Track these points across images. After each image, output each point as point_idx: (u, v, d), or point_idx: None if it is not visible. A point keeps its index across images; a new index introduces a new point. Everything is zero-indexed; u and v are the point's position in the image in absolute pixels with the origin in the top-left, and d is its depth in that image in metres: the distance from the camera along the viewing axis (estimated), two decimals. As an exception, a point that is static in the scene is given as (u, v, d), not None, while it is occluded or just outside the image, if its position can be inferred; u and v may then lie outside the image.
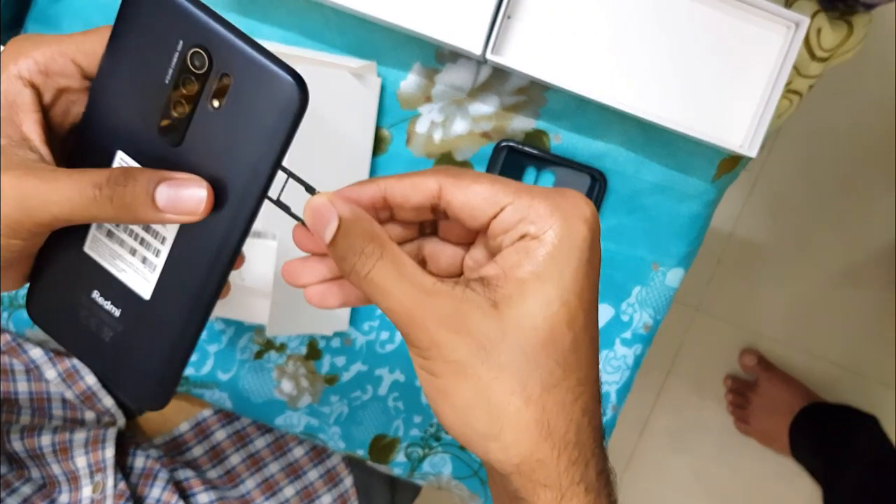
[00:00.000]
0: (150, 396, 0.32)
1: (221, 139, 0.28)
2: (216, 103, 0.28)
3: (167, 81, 0.28)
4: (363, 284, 0.28)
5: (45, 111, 0.31)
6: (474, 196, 0.28)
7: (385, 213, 0.31)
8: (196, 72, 0.28)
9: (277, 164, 0.28)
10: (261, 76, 0.27)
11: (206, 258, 0.29)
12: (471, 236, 0.32)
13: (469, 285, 0.28)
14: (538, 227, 0.28)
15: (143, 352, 0.32)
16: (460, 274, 0.33)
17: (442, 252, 0.33)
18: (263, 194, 0.29)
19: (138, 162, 0.30)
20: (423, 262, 0.33)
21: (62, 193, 0.27)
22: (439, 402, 0.29)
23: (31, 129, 0.30)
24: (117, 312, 0.32)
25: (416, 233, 0.33)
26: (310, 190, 0.30)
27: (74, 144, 0.31)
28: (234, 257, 0.29)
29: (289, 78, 0.27)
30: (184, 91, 0.28)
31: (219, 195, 0.28)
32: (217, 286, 0.30)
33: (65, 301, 0.33)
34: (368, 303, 0.30)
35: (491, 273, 0.28)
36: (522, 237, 0.28)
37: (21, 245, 0.29)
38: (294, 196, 0.31)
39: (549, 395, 0.27)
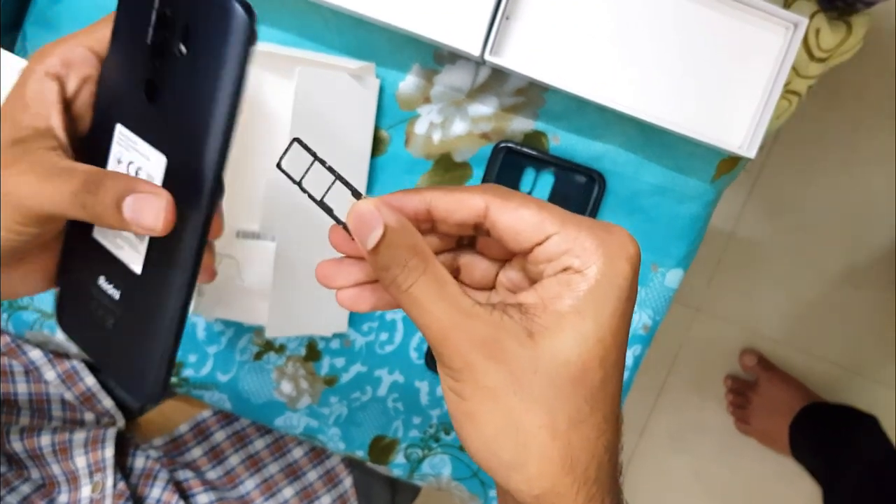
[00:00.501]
0: (146, 385, 0.32)
1: (188, 84, 0.28)
2: (183, 49, 0.28)
3: (148, 42, 0.29)
4: (402, 297, 0.28)
5: (69, 102, 0.32)
6: (521, 221, 0.28)
7: (426, 224, 0.31)
8: (166, 25, 0.28)
9: (236, 96, 0.28)
10: (211, 11, 0.27)
11: (184, 212, 0.29)
12: (508, 255, 0.32)
13: (506, 311, 0.28)
14: (582, 262, 0.28)
15: (139, 334, 0.32)
16: (492, 287, 0.33)
17: (477, 265, 0.33)
18: (228, 132, 0.28)
19: (132, 129, 0.30)
20: (456, 272, 0.33)
21: (50, 195, 0.29)
22: (465, 425, 0.29)
23: (56, 119, 0.31)
24: (117, 295, 0.32)
25: (453, 244, 0.33)
26: (355, 194, 0.29)
27: (88, 126, 0.33)
28: (211, 204, 0.29)
29: (234, 4, 0.27)
30: (160, 47, 0.29)
31: (190, 141, 0.29)
32: (198, 237, 0.30)
33: (80, 298, 0.33)
34: (398, 307, 0.30)
35: (529, 301, 0.28)
36: (566, 269, 0.28)
37: (36, 231, 0.30)
38: (332, 197, 0.31)
39: (575, 431, 0.28)
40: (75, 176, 0.29)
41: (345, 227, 0.30)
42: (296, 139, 0.30)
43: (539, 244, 0.28)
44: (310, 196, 0.29)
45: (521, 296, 0.29)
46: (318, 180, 0.30)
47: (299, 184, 0.30)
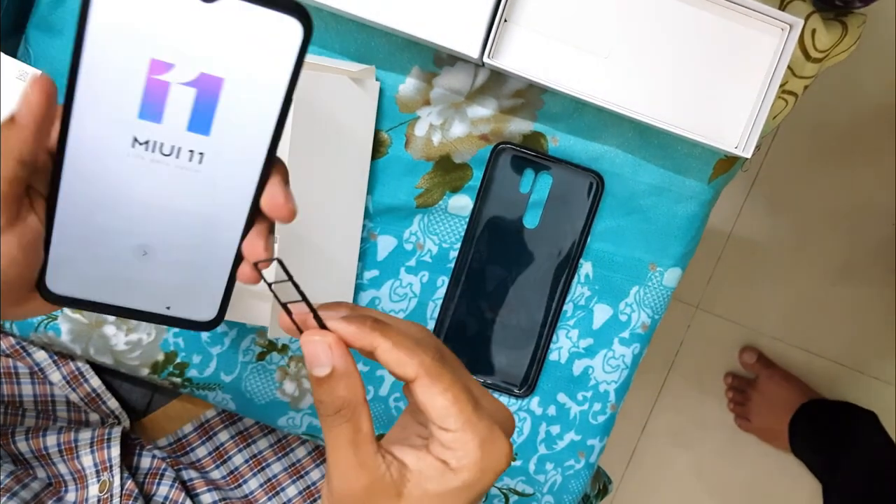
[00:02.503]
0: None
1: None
2: None
3: None
4: (324, 428, 0.32)
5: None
6: (433, 405, 0.31)
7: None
8: None
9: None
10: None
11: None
12: None
13: (389, 467, 0.32)
14: (459, 466, 0.32)
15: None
16: None
17: None
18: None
19: None
20: None
21: None
22: None
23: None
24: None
25: None
26: (316, 317, 0.31)
27: None
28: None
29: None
30: None
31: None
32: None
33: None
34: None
35: (411, 465, 0.32)
36: (446, 463, 0.32)
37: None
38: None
39: None
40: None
41: (298, 328, 0.32)
42: (277, 259, 0.32)
43: (439, 428, 0.32)
44: (276, 299, 0.32)
45: (408, 455, 0.33)
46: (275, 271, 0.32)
47: (270, 286, 0.32)
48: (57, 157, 0.30)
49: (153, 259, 0.32)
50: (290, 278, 0.31)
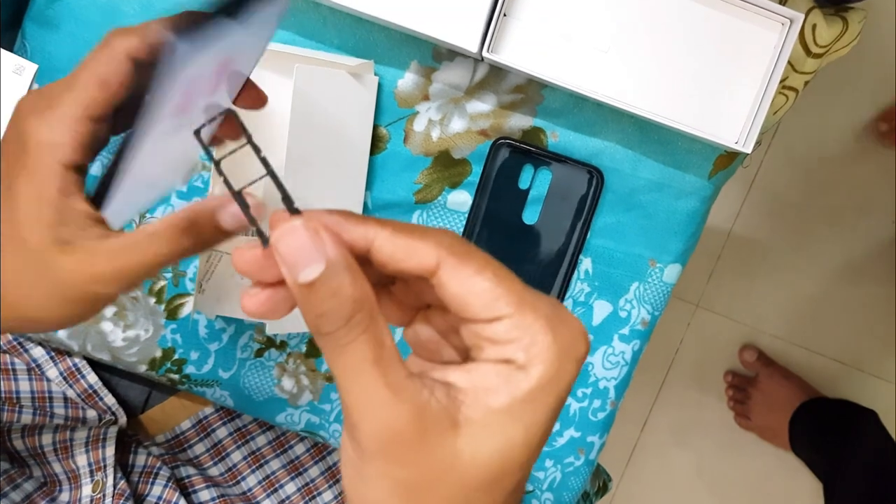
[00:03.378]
0: None
1: None
2: None
3: None
4: (333, 354, 0.24)
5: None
6: (472, 292, 0.24)
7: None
8: None
9: None
10: None
11: None
12: (428, 304, 0.29)
13: (434, 391, 0.24)
14: (528, 358, 0.24)
15: None
16: (406, 324, 0.30)
17: (388, 304, 0.30)
18: None
19: None
20: None
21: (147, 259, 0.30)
22: (358, 486, 0.25)
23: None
24: None
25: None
26: (287, 201, 0.25)
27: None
28: None
29: None
30: None
31: None
32: None
33: None
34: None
35: (460, 384, 0.25)
36: (508, 361, 0.24)
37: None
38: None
39: None
40: (166, 232, 0.30)
41: (263, 241, 0.25)
42: (229, 110, 0.27)
43: (486, 321, 0.24)
44: (226, 182, 0.25)
45: (452, 374, 0.25)
46: (250, 170, 0.26)
47: (216, 162, 0.26)
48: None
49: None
50: (248, 139, 0.26)
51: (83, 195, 0.30)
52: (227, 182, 0.26)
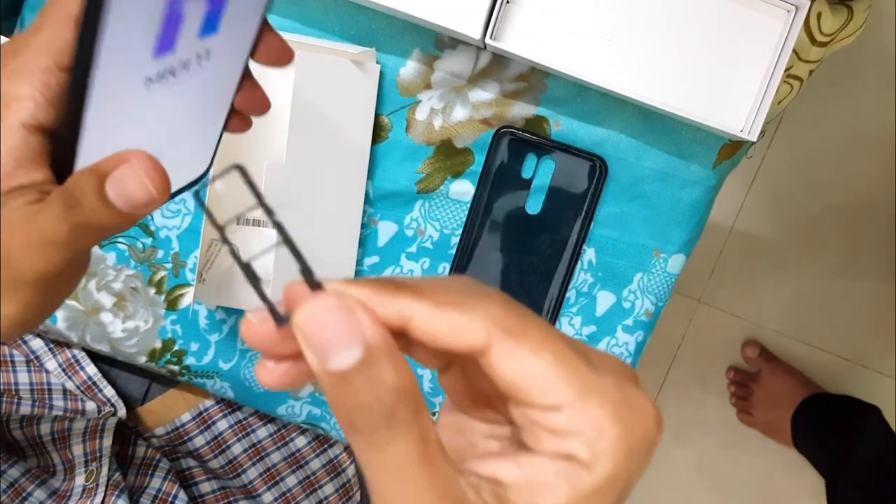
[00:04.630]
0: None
1: None
2: None
3: None
4: (368, 451, 0.20)
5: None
6: (529, 375, 0.21)
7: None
8: None
9: None
10: None
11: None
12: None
13: (480, 492, 0.21)
14: (594, 454, 0.21)
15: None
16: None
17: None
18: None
19: None
20: None
21: (43, 252, 0.25)
22: None
23: (39, 174, 0.26)
24: None
25: None
26: (307, 273, 0.21)
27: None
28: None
29: None
30: None
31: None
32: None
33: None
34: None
35: (510, 480, 0.21)
36: (569, 457, 0.21)
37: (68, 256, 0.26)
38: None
39: None
40: (54, 201, 0.25)
41: (276, 318, 0.21)
42: (237, 166, 0.23)
43: (543, 408, 0.21)
44: (232, 252, 0.22)
45: (500, 468, 0.22)
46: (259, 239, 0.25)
47: (221, 228, 0.23)
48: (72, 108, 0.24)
49: (162, 158, 0.29)
50: (258, 198, 0.22)
51: (45, 163, 0.26)
52: (233, 252, 0.22)
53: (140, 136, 0.27)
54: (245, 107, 0.31)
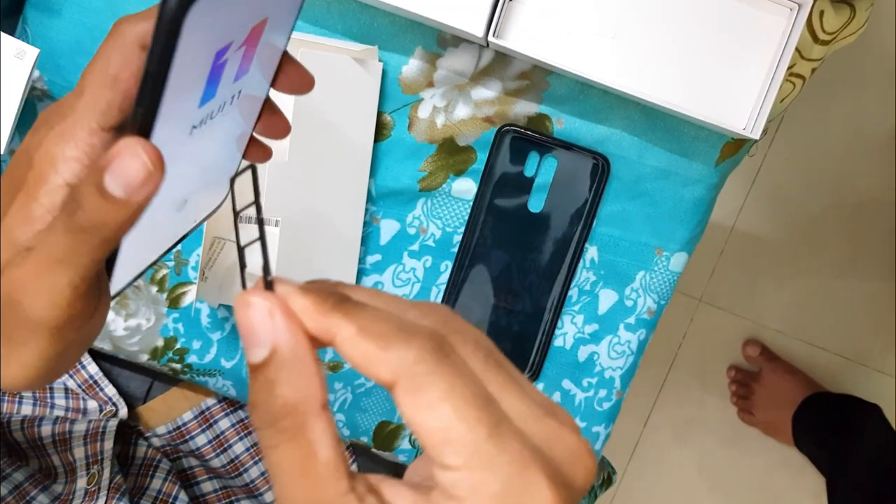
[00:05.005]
0: None
1: None
2: None
3: None
4: (261, 447, 0.22)
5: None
6: (422, 426, 0.21)
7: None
8: None
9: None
10: None
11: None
12: None
13: None
14: None
15: None
16: None
17: None
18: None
19: None
20: None
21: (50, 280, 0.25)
22: None
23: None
24: None
25: None
26: (266, 270, 0.23)
27: None
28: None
29: None
30: None
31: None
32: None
33: None
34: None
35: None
36: None
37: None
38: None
39: None
40: (55, 221, 0.24)
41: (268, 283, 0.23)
42: (252, 165, 0.25)
43: (435, 462, 0.21)
44: (237, 239, 0.24)
45: (392, 492, 0.22)
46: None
47: (237, 214, 0.25)
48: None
49: (191, 201, 0.29)
50: (257, 199, 0.24)
51: None
52: (237, 239, 0.24)
53: (179, 178, 0.27)
54: (265, 133, 0.31)
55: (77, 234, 0.23)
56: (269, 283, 0.23)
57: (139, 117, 0.22)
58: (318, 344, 0.22)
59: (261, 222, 0.24)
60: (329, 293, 0.23)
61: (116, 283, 0.29)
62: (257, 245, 0.24)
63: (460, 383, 0.21)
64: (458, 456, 0.20)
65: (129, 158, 0.22)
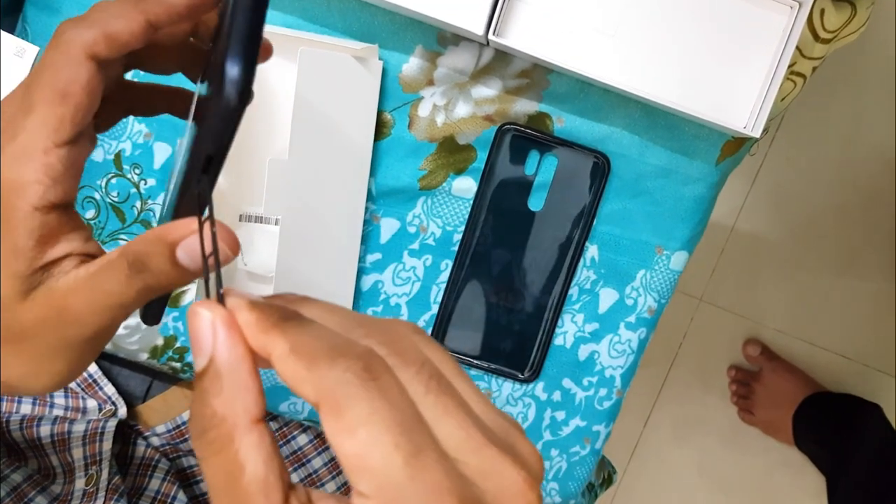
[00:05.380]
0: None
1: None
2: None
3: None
4: (196, 451, 0.22)
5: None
6: (340, 451, 0.20)
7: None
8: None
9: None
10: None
11: None
12: None
13: None
14: None
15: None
16: None
17: None
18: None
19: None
20: None
21: (103, 309, 0.27)
22: None
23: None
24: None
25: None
26: (218, 284, 0.24)
27: None
28: None
29: (233, 74, 0.22)
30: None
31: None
32: None
33: None
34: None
35: None
36: None
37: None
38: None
39: None
40: (119, 265, 0.26)
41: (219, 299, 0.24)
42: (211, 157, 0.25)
43: (354, 489, 0.21)
44: (202, 248, 0.25)
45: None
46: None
47: (201, 224, 0.26)
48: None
49: None
50: (210, 210, 0.25)
51: (74, 231, 0.27)
52: (202, 248, 0.25)
53: None
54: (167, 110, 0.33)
55: (143, 290, 0.26)
56: (220, 296, 0.23)
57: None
58: (261, 361, 0.22)
59: (213, 235, 0.24)
60: (275, 309, 0.23)
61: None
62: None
63: (383, 407, 0.20)
64: (370, 484, 0.20)
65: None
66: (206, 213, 0.25)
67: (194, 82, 0.32)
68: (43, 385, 0.27)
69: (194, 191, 0.25)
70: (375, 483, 0.20)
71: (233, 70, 0.22)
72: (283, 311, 0.23)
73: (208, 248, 0.25)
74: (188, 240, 0.25)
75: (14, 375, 0.27)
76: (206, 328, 0.22)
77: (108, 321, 0.26)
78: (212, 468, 0.21)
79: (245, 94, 0.22)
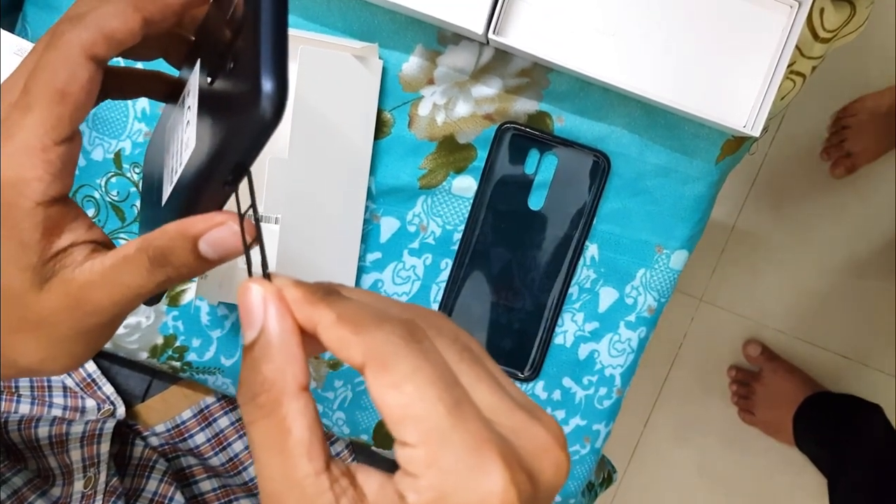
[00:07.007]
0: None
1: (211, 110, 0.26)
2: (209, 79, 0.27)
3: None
4: (245, 423, 0.24)
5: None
6: (385, 404, 0.22)
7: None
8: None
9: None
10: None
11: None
12: None
13: (341, 497, 0.22)
14: (419, 500, 0.21)
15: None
16: None
17: None
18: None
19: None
20: None
21: (125, 292, 0.28)
22: None
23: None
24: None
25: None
26: (264, 265, 0.26)
27: None
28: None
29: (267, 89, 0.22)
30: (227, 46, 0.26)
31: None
32: None
33: None
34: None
35: (369, 495, 0.22)
36: (402, 496, 0.22)
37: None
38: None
39: None
40: (138, 259, 0.27)
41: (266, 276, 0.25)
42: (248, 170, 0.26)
43: (397, 440, 0.22)
44: (244, 237, 0.26)
45: (370, 480, 0.23)
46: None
47: (242, 216, 0.27)
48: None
49: None
50: (253, 203, 0.26)
51: (76, 220, 0.28)
52: (243, 237, 0.26)
53: None
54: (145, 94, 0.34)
55: (160, 280, 0.27)
56: (267, 276, 0.25)
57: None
58: (307, 334, 0.24)
59: (257, 222, 0.26)
60: (318, 286, 0.25)
61: None
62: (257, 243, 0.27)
63: (426, 365, 0.22)
64: (416, 432, 0.21)
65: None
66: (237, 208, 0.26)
67: (177, 68, 0.32)
68: (63, 366, 0.29)
69: (225, 190, 0.26)
70: (421, 431, 0.21)
71: (268, 85, 0.22)
72: (326, 287, 0.25)
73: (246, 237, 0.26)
74: (212, 232, 0.26)
75: (35, 360, 0.28)
76: (258, 302, 0.23)
77: (126, 309, 0.28)
78: (260, 430, 0.23)
79: (281, 108, 0.23)
